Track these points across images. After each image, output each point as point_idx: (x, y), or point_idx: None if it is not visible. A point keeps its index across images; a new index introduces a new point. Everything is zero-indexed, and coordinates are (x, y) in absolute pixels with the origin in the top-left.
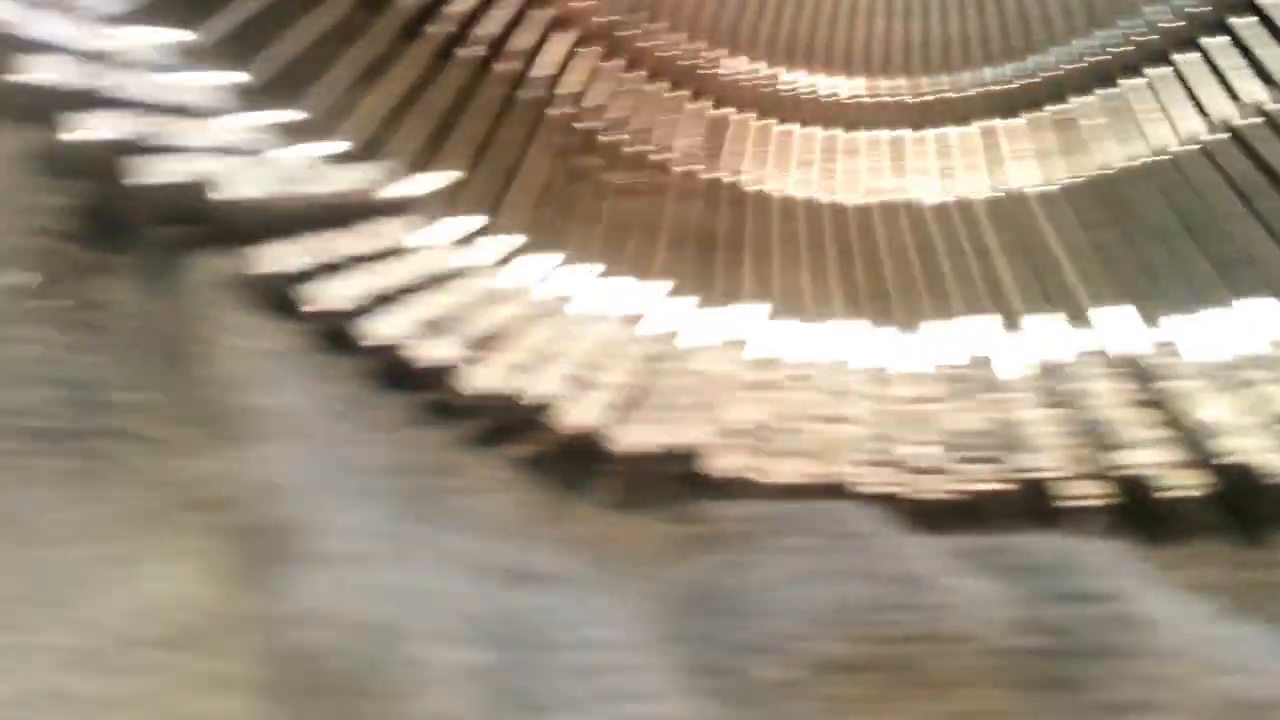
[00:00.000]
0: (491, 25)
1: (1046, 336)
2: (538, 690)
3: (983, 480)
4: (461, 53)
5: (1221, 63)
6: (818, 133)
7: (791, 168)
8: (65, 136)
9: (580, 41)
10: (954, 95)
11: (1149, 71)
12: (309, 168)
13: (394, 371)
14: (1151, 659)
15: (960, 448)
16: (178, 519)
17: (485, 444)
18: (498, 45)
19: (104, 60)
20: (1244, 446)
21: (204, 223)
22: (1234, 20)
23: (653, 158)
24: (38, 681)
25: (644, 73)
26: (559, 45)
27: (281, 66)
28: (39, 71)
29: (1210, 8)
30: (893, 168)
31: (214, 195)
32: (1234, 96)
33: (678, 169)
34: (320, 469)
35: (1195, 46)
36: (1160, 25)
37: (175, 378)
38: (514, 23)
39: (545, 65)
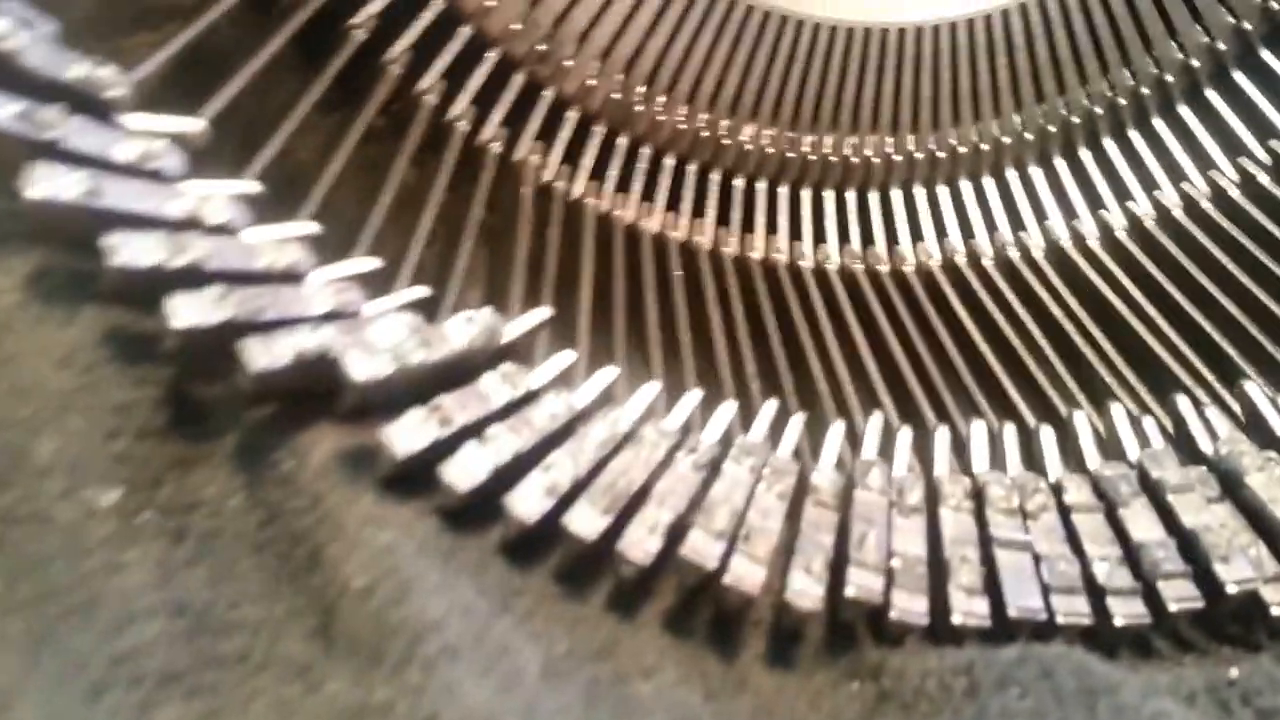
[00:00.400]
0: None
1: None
2: None
3: (1186, 600)
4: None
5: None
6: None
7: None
8: (173, 322)
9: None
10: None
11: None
12: (414, 329)
13: (530, 539)
14: None
15: (1144, 562)
16: None
17: (631, 610)
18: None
19: (185, 227)
20: None
21: (326, 402)
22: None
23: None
24: None
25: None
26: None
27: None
28: (129, 250)
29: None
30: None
31: (348, 372)
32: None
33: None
34: (502, 687)
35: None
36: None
37: (303, 584)
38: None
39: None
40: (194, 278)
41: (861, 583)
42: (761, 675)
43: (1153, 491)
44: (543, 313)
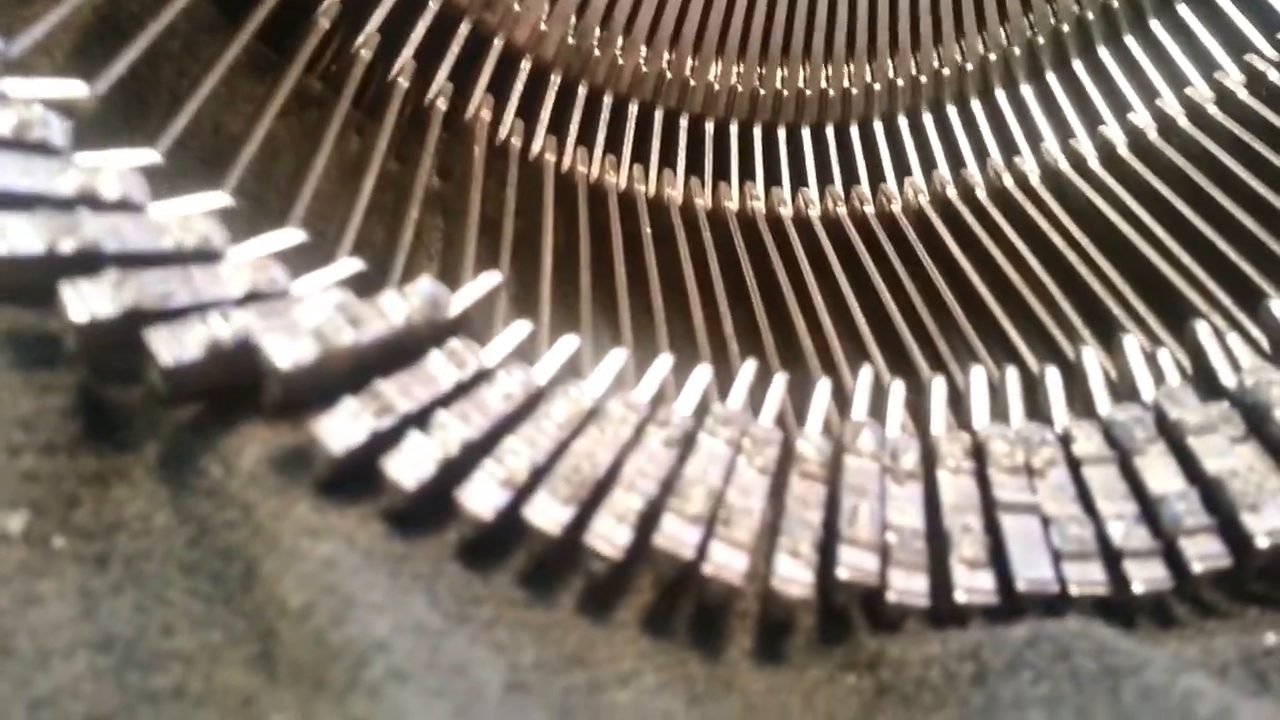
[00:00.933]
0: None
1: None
2: None
3: (1211, 558)
4: None
5: None
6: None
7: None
8: (69, 316)
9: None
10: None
11: None
12: (343, 306)
13: (490, 538)
14: None
15: (1163, 518)
16: None
17: (605, 610)
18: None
19: (78, 205)
20: None
21: (249, 396)
22: None
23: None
24: None
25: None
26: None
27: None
28: (12, 236)
29: None
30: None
31: (269, 360)
32: None
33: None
34: (458, 710)
35: None
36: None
37: (239, 606)
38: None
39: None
40: (91, 262)
41: (854, 563)
42: (749, 674)
43: (1171, 435)
44: (493, 279)
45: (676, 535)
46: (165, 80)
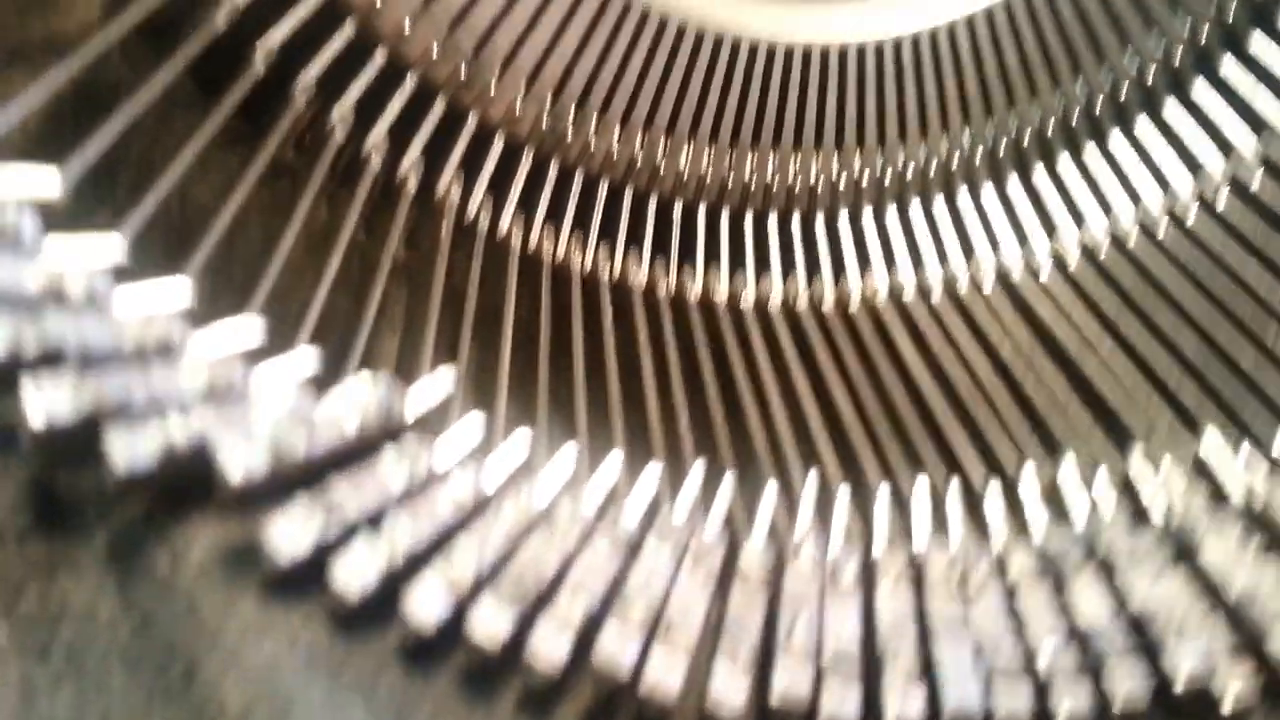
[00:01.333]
0: None
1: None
2: None
3: (1134, 692)
4: None
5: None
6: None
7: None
8: (28, 420)
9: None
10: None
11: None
12: (297, 413)
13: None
14: None
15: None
16: None
17: (545, 711)
18: None
19: (44, 301)
20: None
21: (202, 488)
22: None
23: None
24: None
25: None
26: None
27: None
28: None
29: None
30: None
31: (222, 469)
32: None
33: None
34: None
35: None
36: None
37: (179, 704)
38: None
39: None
40: (53, 359)
41: (789, 680)
42: None
43: (1102, 562)
44: (447, 381)
45: (615, 651)
46: (136, 153)
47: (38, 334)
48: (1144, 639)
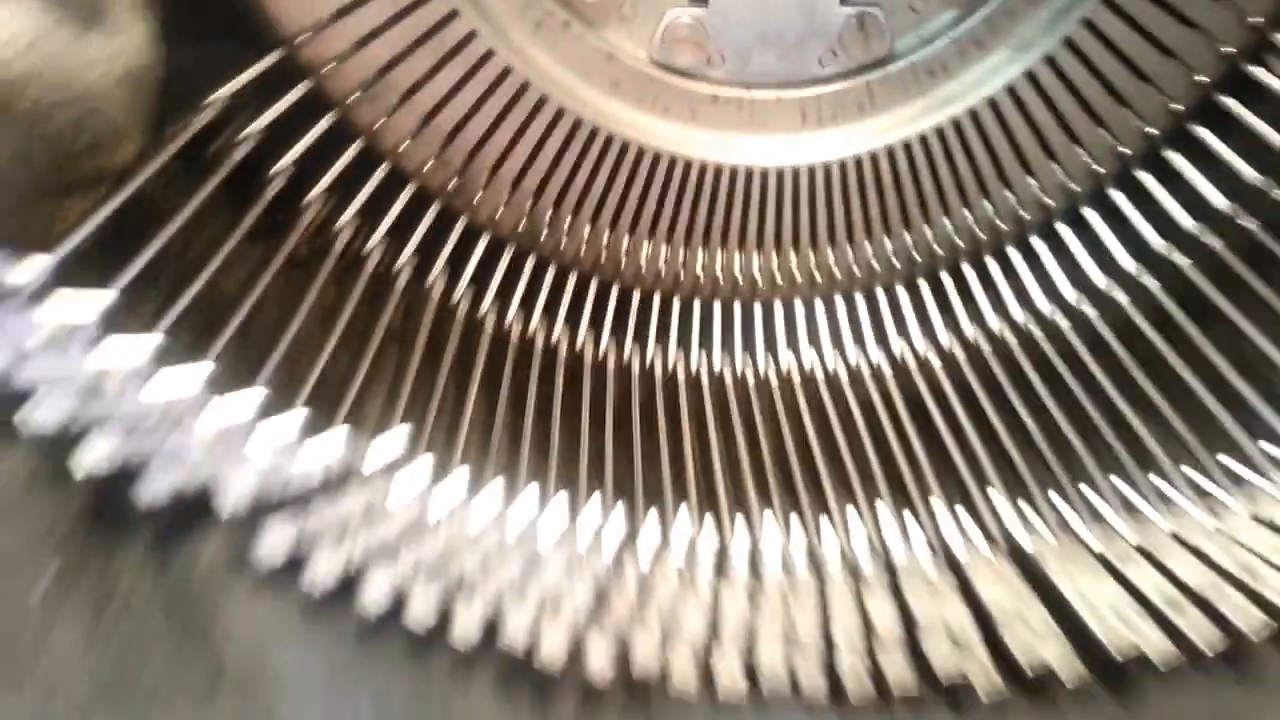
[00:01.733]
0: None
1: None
2: None
3: None
4: None
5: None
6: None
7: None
8: (77, 473)
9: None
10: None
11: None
12: (284, 452)
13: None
14: None
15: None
16: None
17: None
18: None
19: (96, 389)
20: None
21: (206, 518)
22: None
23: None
24: None
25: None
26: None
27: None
28: (44, 411)
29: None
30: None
31: (220, 501)
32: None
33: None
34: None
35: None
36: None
37: (198, 660)
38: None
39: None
40: (101, 422)
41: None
42: None
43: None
44: (399, 440)
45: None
46: (171, 253)
47: (88, 410)
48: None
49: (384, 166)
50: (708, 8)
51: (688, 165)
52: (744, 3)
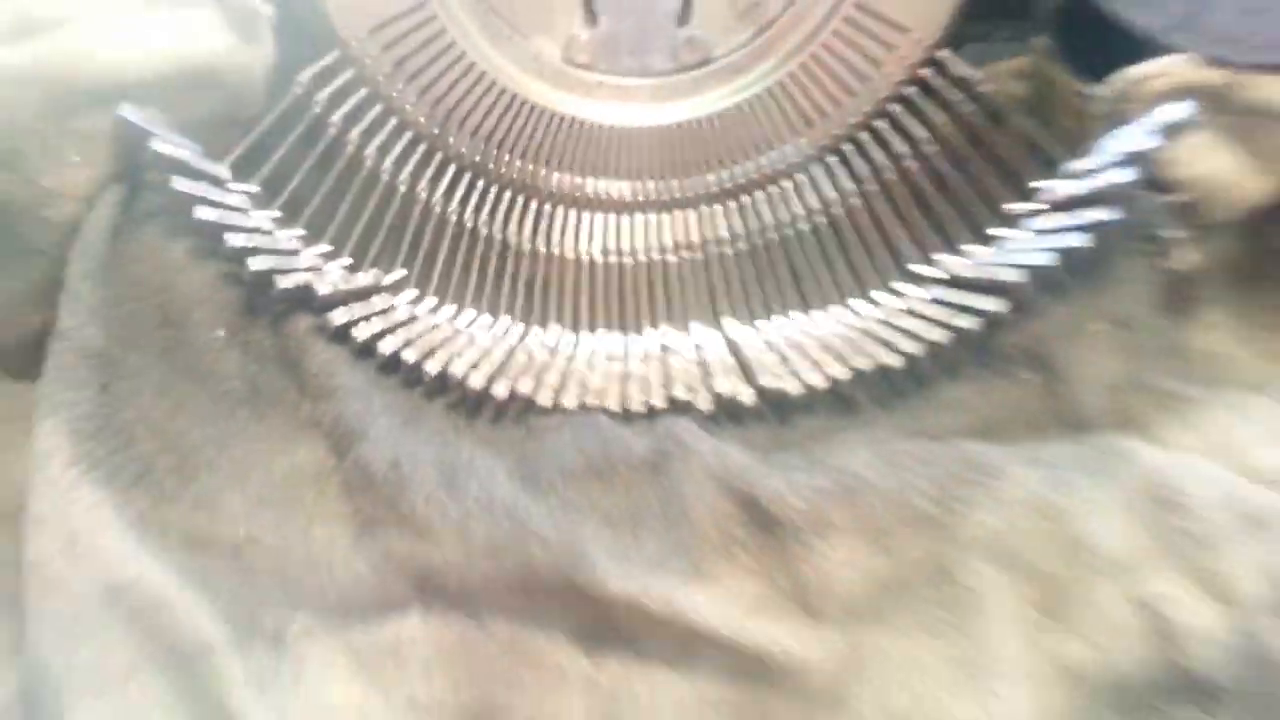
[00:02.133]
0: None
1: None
2: None
3: None
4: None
5: None
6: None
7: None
8: (251, 267)
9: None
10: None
11: None
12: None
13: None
14: None
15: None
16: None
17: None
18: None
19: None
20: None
21: (305, 304)
22: None
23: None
24: None
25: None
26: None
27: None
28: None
29: None
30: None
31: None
32: None
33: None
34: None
35: None
36: None
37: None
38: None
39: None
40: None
41: None
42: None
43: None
44: (400, 274)
45: None
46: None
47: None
48: None
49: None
50: (597, 28)
51: (576, 122)
52: (621, 26)
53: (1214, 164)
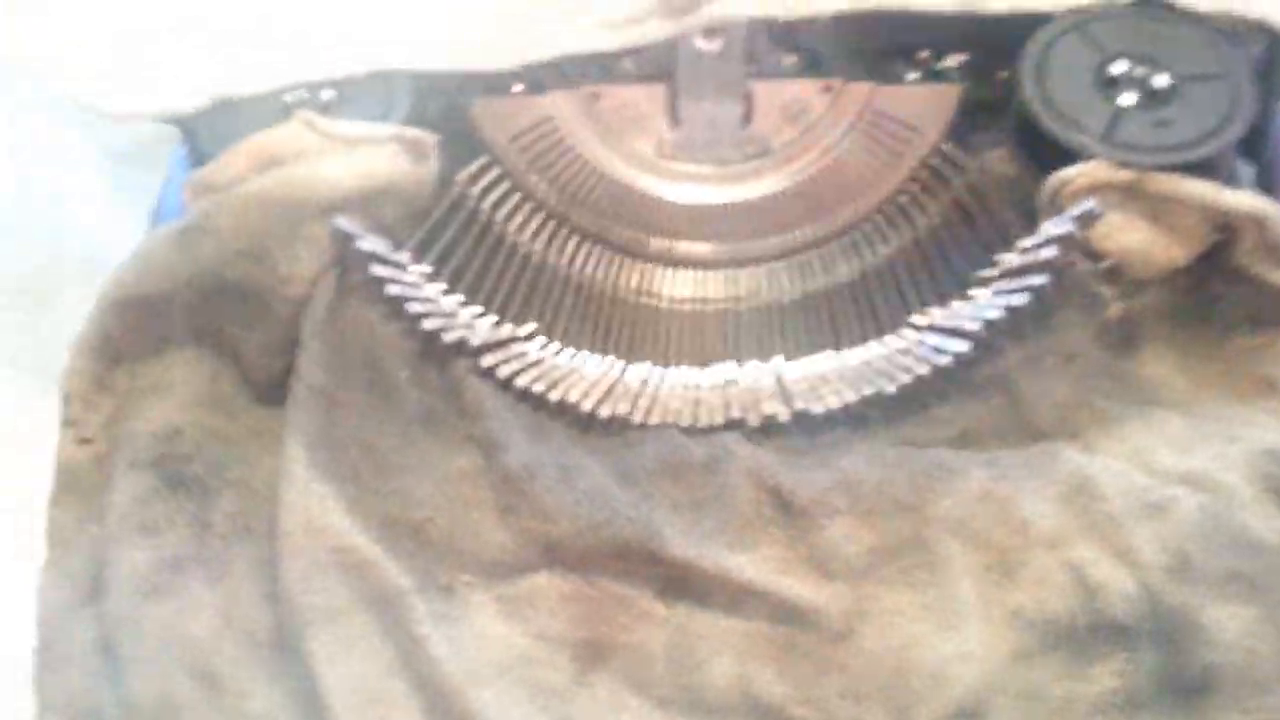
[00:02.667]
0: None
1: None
2: None
3: None
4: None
5: None
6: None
7: None
8: (424, 326)
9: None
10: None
11: None
12: (489, 332)
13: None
14: None
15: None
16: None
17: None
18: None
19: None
20: None
21: (463, 352)
22: None
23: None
24: None
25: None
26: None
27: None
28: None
29: None
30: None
31: (472, 342)
32: None
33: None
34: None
35: None
36: None
37: (459, 409)
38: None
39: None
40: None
41: None
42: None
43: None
44: (530, 326)
45: None
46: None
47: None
48: None
49: None
50: (680, 130)
51: (667, 200)
52: (698, 128)
53: (1132, 238)
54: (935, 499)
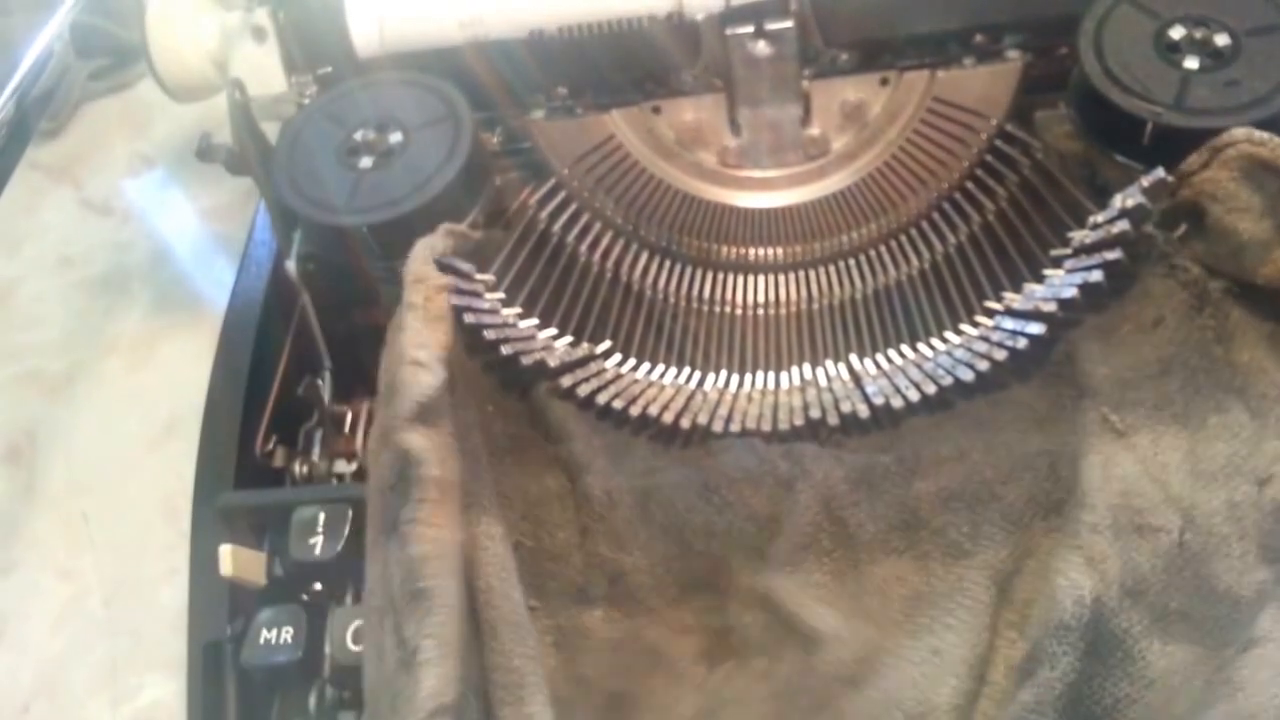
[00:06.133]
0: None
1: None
2: None
3: None
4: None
5: None
6: None
7: None
8: (502, 352)
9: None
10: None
11: None
12: (566, 353)
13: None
14: None
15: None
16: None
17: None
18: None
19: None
20: None
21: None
22: None
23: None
24: None
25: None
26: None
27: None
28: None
29: None
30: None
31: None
32: None
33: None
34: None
35: None
36: None
37: (543, 431)
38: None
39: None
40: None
41: None
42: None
43: None
44: (592, 347)
45: None
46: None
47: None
48: None
49: None
50: (741, 139)
51: (733, 208)
52: (759, 135)
53: (1261, 226)
54: (984, 549)
